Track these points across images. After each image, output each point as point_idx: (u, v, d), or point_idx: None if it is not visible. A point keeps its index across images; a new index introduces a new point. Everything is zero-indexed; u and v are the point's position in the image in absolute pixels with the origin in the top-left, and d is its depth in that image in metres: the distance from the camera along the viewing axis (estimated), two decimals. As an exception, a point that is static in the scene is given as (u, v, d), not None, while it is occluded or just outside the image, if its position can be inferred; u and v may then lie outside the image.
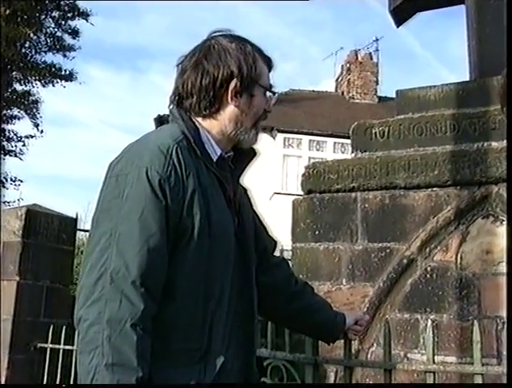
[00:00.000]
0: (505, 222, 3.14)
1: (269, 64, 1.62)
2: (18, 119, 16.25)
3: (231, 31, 1.61)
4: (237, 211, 1.57)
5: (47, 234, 4.28)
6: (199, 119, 1.56)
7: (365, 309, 3.31)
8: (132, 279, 1.31)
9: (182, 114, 1.54)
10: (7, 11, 13.61)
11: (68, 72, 16.07)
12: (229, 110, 1.55)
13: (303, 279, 3.39)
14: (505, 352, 2.96)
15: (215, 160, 1.53)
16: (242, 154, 1.64)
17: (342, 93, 20.81)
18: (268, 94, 1.61)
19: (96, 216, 1.42)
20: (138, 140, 1.50)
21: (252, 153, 1.66)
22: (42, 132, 16.46)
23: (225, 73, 1.52)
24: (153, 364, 1.34)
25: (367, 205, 3.47)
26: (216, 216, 1.45)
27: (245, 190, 1.71)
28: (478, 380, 1.80)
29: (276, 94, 1.63)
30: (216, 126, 1.56)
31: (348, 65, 20.69)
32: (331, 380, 3.25)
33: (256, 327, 1.56)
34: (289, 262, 2.14)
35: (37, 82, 15.74)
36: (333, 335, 1.89)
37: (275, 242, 1.84)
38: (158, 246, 1.35)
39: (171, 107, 1.58)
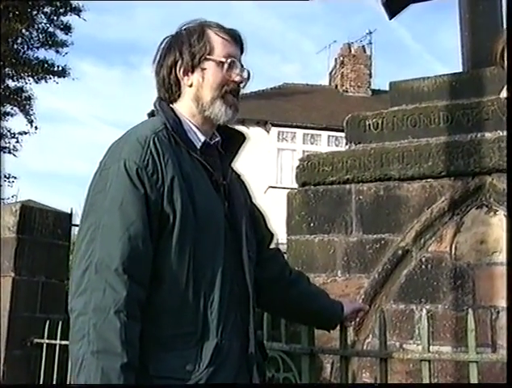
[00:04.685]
0: (498, 212, 3.15)
1: (233, 37, 1.65)
2: (12, 115, 16.17)
3: (199, 20, 1.66)
4: (227, 194, 1.59)
5: (42, 229, 4.26)
6: (176, 106, 1.61)
7: (360, 301, 3.32)
8: (114, 267, 1.35)
9: (163, 105, 1.61)
10: (-2, 7, 13.51)
11: (60, 68, 15.96)
12: (188, 91, 1.61)
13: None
14: (499, 342, 2.98)
15: (198, 147, 1.56)
16: (231, 139, 1.68)
17: (336, 86, 20.80)
18: (226, 64, 1.60)
19: (84, 210, 1.47)
20: (122, 135, 1.54)
21: (241, 138, 1.70)
22: (36, 128, 16.39)
23: (171, 58, 1.61)
24: (148, 349, 1.38)
25: (361, 197, 3.47)
26: (200, 200, 1.47)
27: (238, 175, 1.74)
28: (473, 368, 1.81)
29: (232, 61, 1.61)
30: (187, 110, 1.60)
31: (341, 58, 20.68)
32: (327, 372, 3.26)
33: (252, 308, 1.57)
34: (284, 254, 2.14)
35: (30, 78, 15.63)
36: (330, 322, 1.90)
37: (272, 235, 1.85)
38: (139, 234, 1.39)
39: (155, 100, 1.65)
